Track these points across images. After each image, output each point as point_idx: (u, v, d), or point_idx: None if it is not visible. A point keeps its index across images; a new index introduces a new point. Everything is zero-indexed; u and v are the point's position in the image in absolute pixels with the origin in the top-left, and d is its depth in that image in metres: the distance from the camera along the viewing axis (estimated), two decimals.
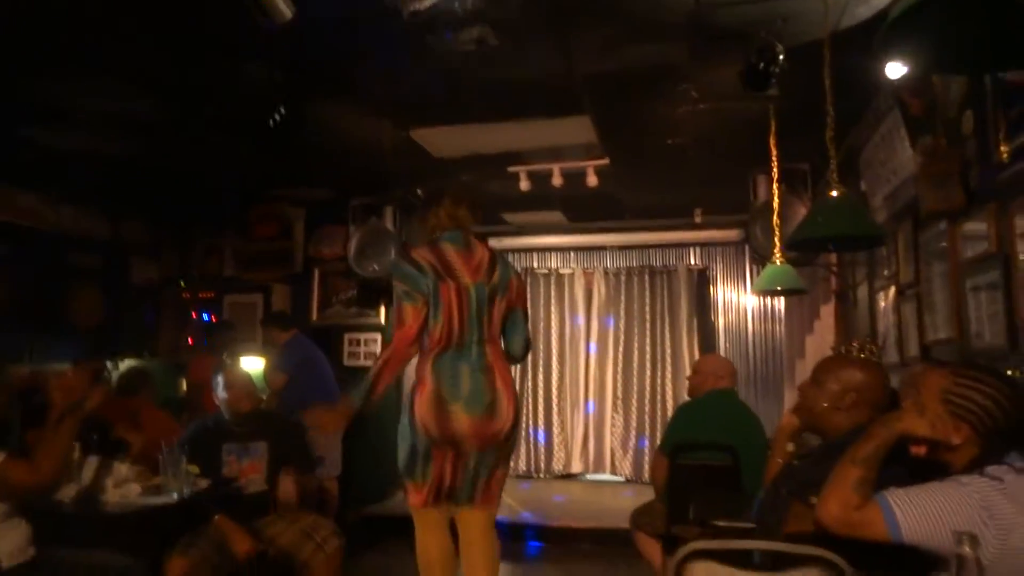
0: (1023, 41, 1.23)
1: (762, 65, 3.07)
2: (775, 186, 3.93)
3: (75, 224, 5.35)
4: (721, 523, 2.13)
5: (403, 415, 2.72)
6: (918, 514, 1.44)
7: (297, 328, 5.18)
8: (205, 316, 6.20)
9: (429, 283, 2.64)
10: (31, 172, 4.90)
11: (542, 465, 7.19)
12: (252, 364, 5.17)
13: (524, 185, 5.24)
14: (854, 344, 2.11)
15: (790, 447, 2.10)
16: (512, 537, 4.63)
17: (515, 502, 5.32)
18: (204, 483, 2.97)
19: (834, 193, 2.55)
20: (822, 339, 5.02)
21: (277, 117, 3.80)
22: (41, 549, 2.29)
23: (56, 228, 5.18)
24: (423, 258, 2.71)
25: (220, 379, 3.27)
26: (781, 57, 3.07)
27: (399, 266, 2.75)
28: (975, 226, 2.70)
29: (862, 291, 4.47)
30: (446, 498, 2.68)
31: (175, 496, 2.78)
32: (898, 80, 2.97)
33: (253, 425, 3.27)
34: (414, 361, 2.74)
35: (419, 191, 5.93)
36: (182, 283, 6.26)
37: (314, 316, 6.07)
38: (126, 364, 5.17)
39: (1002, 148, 2.43)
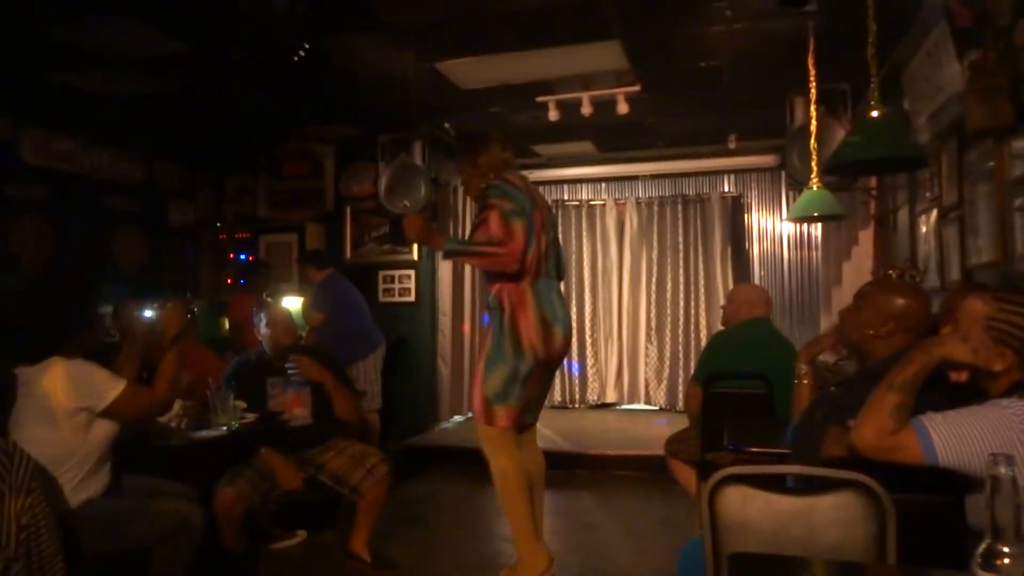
0: None
1: None
2: (813, 108, 3.81)
3: (112, 168, 5.41)
4: (754, 448, 2.16)
5: (503, 341, 2.74)
6: (955, 438, 1.43)
7: (333, 266, 5.24)
8: (242, 256, 6.30)
9: (528, 207, 2.74)
10: (66, 116, 4.94)
11: (577, 396, 7.30)
12: (290, 302, 5.28)
13: (553, 115, 5.14)
14: (894, 270, 2.07)
15: (804, 370, 2.11)
16: (548, 464, 4.73)
17: (552, 431, 5.43)
18: (251, 417, 3.07)
19: (874, 113, 2.45)
20: (860, 266, 4.92)
21: (302, 52, 3.76)
22: (115, 478, 2.46)
23: (93, 172, 5.25)
24: (521, 183, 2.80)
25: (262, 316, 3.35)
26: None
27: (503, 187, 2.75)
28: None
29: (902, 215, 4.35)
30: (523, 417, 2.86)
31: (224, 430, 2.88)
32: None
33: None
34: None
35: (447, 125, 5.87)
36: (218, 224, 6.35)
37: (348, 254, 6.13)
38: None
39: None
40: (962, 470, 1.44)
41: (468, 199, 6.57)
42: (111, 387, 2.33)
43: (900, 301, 1.84)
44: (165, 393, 2.49)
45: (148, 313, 2.76)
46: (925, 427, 1.46)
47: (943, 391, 1.56)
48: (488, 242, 2.68)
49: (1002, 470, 0.80)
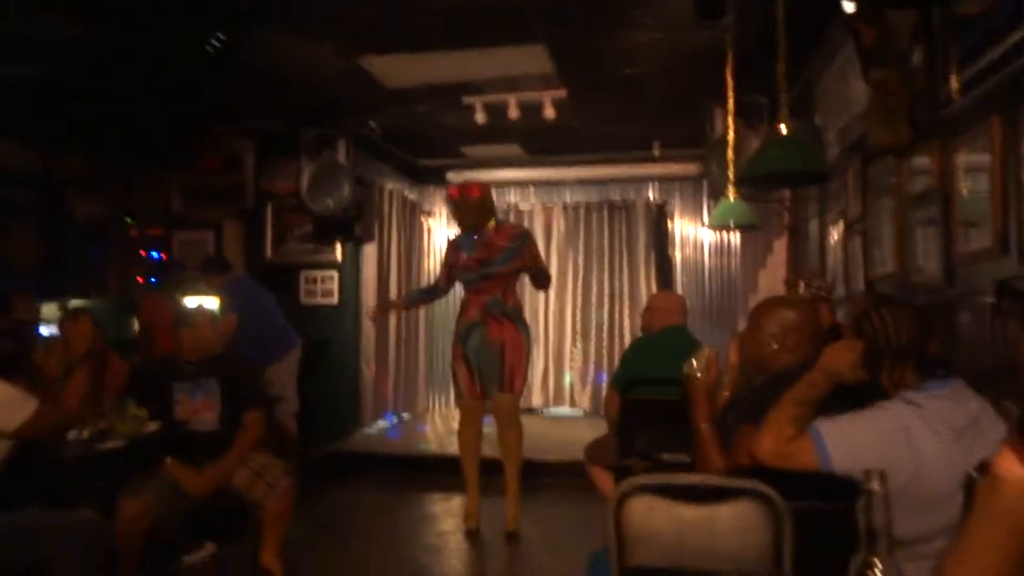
0: None
1: None
2: (730, 119, 3.91)
3: (5, 158, 5.08)
4: (665, 456, 2.20)
5: (528, 333, 4.09)
6: (846, 442, 1.50)
7: (233, 269, 5.10)
8: (154, 254, 6.05)
9: None
10: None
11: None
12: (208, 303, 5.10)
13: (480, 117, 5.14)
14: (799, 280, 2.14)
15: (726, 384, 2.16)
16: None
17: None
18: (153, 426, 2.94)
19: (783, 128, 2.54)
20: (775, 273, 5.11)
21: (216, 42, 3.64)
22: None
23: None
24: None
25: (188, 318, 3.24)
26: None
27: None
28: (920, 161, 2.73)
29: (813, 226, 4.53)
30: None
31: (122, 442, 2.76)
32: (852, 9, 2.93)
33: (204, 363, 3.23)
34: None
35: (372, 124, 5.79)
36: (128, 220, 6.07)
37: (268, 253, 5.97)
38: (71, 304, 5.04)
39: (952, 82, 2.43)
40: (855, 474, 1.51)
41: (393, 201, 6.52)
42: (22, 407, 2.20)
43: (792, 315, 1.93)
44: (75, 411, 2.41)
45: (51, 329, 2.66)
46: (819, 432, 1.53)
47: (841, 397, 1.63)
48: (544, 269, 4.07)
49: (875, 485, 0.83)
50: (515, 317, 4.02)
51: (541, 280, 4.12)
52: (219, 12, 3.56)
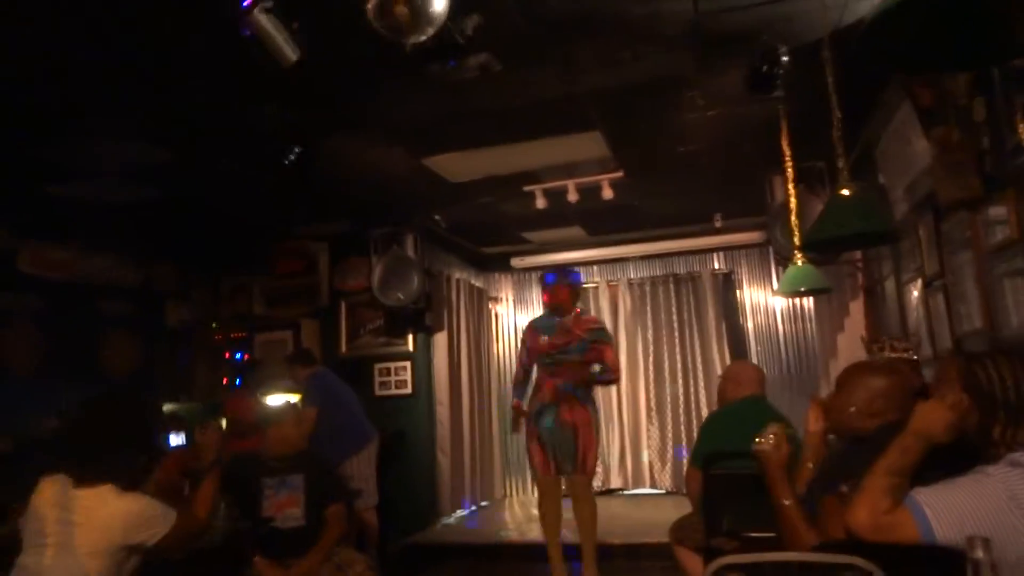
0: (1007, 35, 1.21)
1: (766, 68, 3.07)
2: (790, 186, 3.91)
3: (106, 273, 5.46)
4: (754, 534, 2.12)
5: (599, 417, 4.39)
6: (948, 512, 1.42)
7: (318, 363, 5.24)
8: (238, 355, 6.29)
9: None
10: (59, 226, 5.04)
11: None
12: (288, 400, 5.25)
13: (540, 203, 5.26)
14: (879, 343, 2.08)
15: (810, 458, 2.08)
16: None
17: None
18: (243, 524, 3.00)
19: (845, 191, 2.53)
20: (854, 336, 4.94)
21: (292, 156, 3.89)
22: None
23: (88, 279, 5.30)
24: None
25: (274, 415, 3.36)
26: (785, 58, 3.06)
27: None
28: (997, 211, 2.65)
29: (889, 285, 4.40)
30: None
31: (216, 539, 2.82)
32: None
33: (289, 459, 3.30)
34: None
35: (438, 217, 5.99)
36: (214, 324, 6.37)
37: (343, 348, 6.14)
38: (164, 408, 5.27)
39: (1021, 131, 2.39)
40: (960, 545, 1.42)
41: (461, 290, 6.66)
42: (166, 521, 2.24)
43: (882, 381, 1.86)
44: (207, 518, 2.47)
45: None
46: (919, 504, 1.45)
47: (939, 465, 1.55)
48: (615, 368, 4.34)
49: (979, 554, 0.79)
50: (585, 399, 4.24)
51: (602, 379, 4.35)
52: (295, 126, 3.82)
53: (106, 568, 2.16)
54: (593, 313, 7.41)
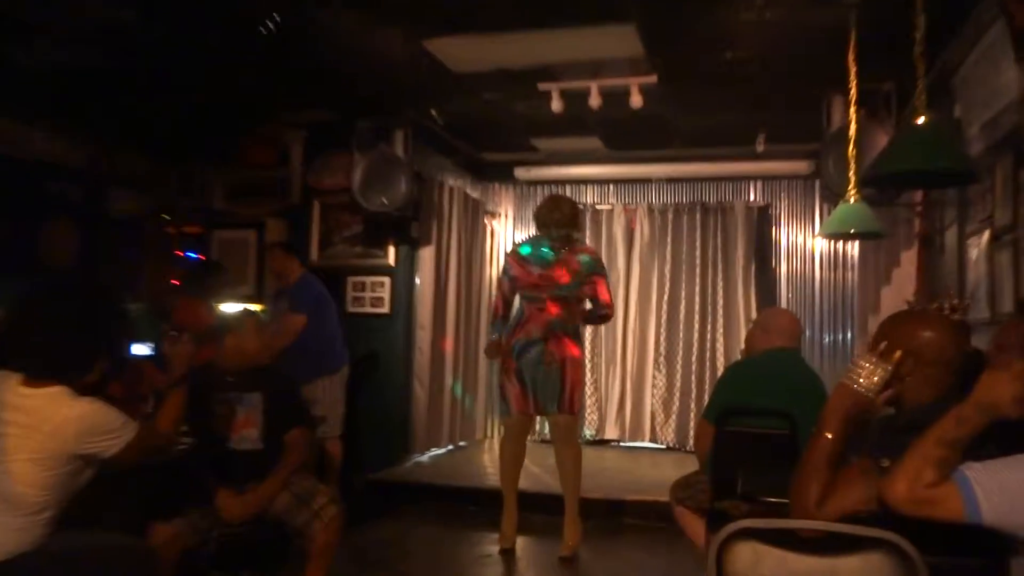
0: None
1: None
2: (852, 110, 3.85)
3: (51, 149, 5.36)
4: (771, 499, 2.17)
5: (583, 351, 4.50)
6: (1000, 492, 1.45)
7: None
8: (191, 254, 6.29)
9: None
10: (4, 92, 4.92)
11: None
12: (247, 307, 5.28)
13: (556, 106, 5.18)
14: (938, 303, 2.05)
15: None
16: (538, 508, 4.74)
17: (541, 470, 5.43)
18: (190, 442, 3.06)
19: (920, 120, 2.49)
20: (901, 291, 4.96)
21: (271, 24, 3.79)
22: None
23: (26, 154, 5.20)
24: None
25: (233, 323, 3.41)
26: None
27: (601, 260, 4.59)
28: None
29: (951, 236, 4.40)
30: None
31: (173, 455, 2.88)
32: None
33: (248, 375, 3.34)
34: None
35: (434, 112, 5.89)
36: (166, 217, 6.33)
37: (314, 256, 6.12)
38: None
39: None
40: (1009, 528, 1.46)
41: (454, 200, 6.62)
42: (125, 431, 2.30)
43: (933, 335, 1.81)
44: (171, 435, 2.58)
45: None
46: (969, 481, 1.47)
47: (993, 437, 1.56)
48: (609, 305, 4.43)
49: None
50: (576, 336, 4.39)
51: (597, 317, 4.49)
52: None
53: (54, 476, 2.22)
54: (604, 241, 7.43)
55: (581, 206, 7.36)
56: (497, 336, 4.42)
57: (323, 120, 5.94)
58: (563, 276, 4.25)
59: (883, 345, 1.77)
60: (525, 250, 4.40)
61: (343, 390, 5.10)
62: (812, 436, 1.76)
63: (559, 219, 4.26)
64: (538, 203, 4.61)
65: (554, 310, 4.26)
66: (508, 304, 4.46)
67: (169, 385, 2.64)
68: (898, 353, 1.75)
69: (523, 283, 4.32)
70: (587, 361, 7.24)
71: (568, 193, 7.50)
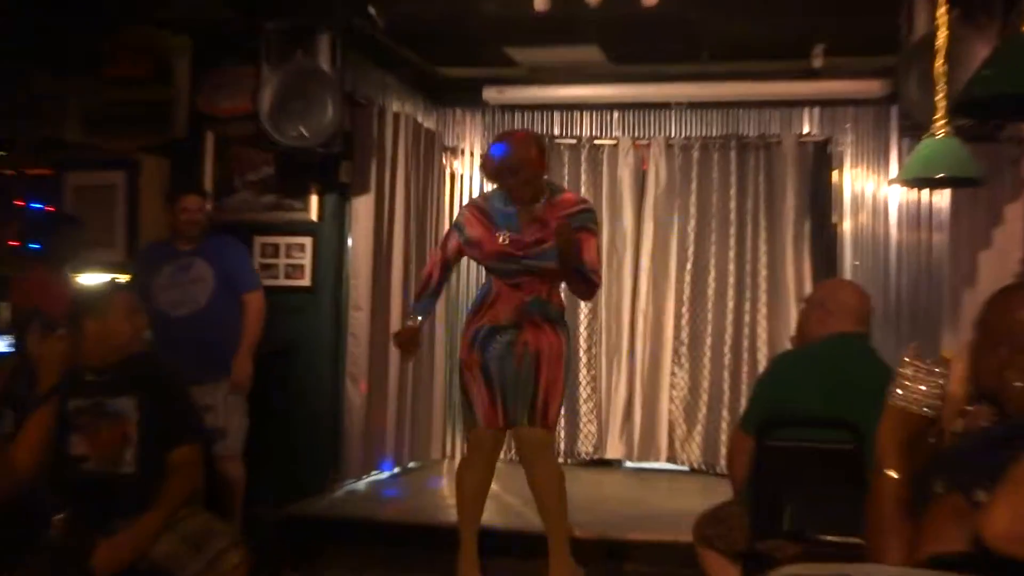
0: None
1: None
2: (942, 11, 3.85)
3: None
4: (831, 538, 2.20)
5: (570, 343, 4.60)
6: None
7: None
8: (36, 205, 6.21)
9: None
10: None
11: (563, 446, 7.33)
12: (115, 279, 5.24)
13: (540, 2, 5.15)
14: None
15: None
16: (511, 551, 4.76)
17: (521, 501, 5.44)
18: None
19: None
20: (1007, 257, 5.02)
21: None
22: None
23: None
24: None
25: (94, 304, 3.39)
26: None
27: (593, 209, 4.60)
28: None
29: None
30: None
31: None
32: None
33: (115, 373, 3.32)
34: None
35: (372, 12, 5.83)
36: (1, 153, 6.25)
37: (208, 206, 6.07)
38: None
39: None
40: None
41: (401, 131, 6.58)
42: None
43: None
44: (32, 467, 2.59)
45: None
46: None
47: None
48: (596, 270, 4.36)
49: None
50: (558, 320, 4.42)
51: (582, 283, 4.36)
52: None
53: None
54: (605, 188, 7.42)
55: (574, 141, 7.44)
56: (418, 319, 4.47)
57: (218, 20, 5.87)
58: (542, 237, 4.22)
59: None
60: (488, 204, 4.40)
61: (242, 396, 5.09)
62: (873, 476, 1.80)
63: (511, 164, 4.21)
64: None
65: (532, 288, 4.29)
66: (446, 270, 4.51)
67: (37, 398, 2.60)
68: (948, 353, 1.80)
69: (487, 251, 4.32)
70: (581, 355, 7.32)
71: (555, 123, 7.56)
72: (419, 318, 4.47)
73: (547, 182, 4.44)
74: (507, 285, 4.30)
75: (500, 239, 4.25)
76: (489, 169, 4.40)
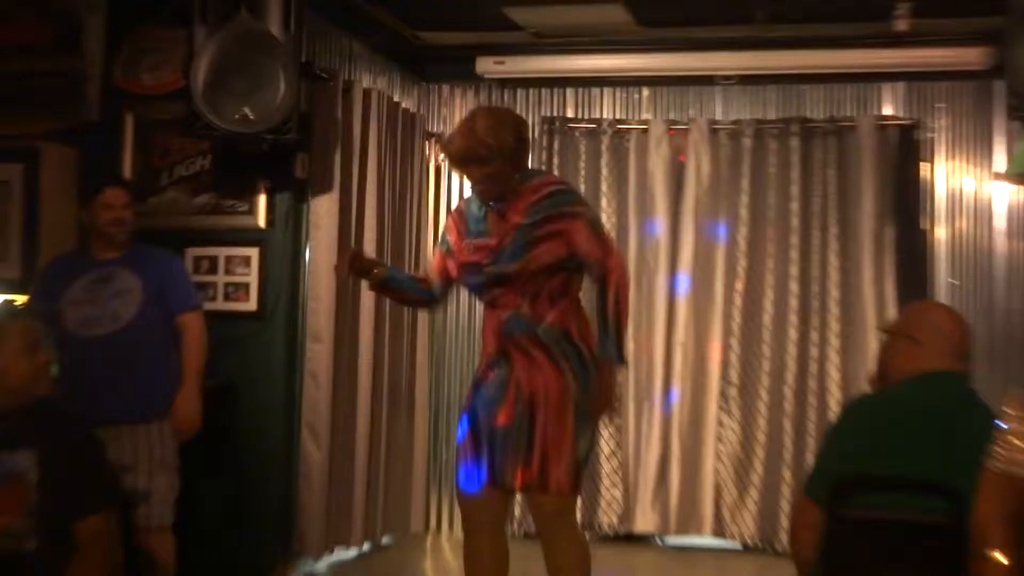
0: None
1: None
2: None
3: None
4: None
5: (589, 380, 4.21)
6: None
7: None
8: None
9: None
10: None
11: (578, 516, 7.28)
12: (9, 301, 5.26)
13: None
14: None
15: None
16: None
17: None
18: None
19: None
20: None
21: None
22: None
23: None
24: None
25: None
26: None
27: (571, 188, 4.92)
28: None
29: None
30: None
31: None
32: None
33: (12, 422, 3.33)
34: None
35: None
36: None
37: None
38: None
39: None
40: None
41: (373, 112, 6.60)
42: None
43: None
44: None
45: None
46: None
47: None
48: (601, 261, 4.22)
49: None
50: (555, 343, 4.21)
51: (601, 276, 4.22)
52: None
53: None
54: (633, 182, 7.44)
55: (593, 125, 7.46)
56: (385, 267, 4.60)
57: None
58: (500, 239, 4.24)
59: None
60: (472, 205, 4.41)
61: (176, 446, 5.09)
62: (974, 560, 1.80)
63: (478, 152, 4.16)
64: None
65: (507, 301, 4.22)
66: (445, 282, 4.52)
67: None
68: None
69: (458, 263, 4.36)
70: None
71: (568, 103, 7.63)
72: (387, 266, 4.56)
73: (522, 170, 4.34)
74: (487, 306, 4.33)
75: (467, 248, 4.28)
76: (451, 152, 4.34)
